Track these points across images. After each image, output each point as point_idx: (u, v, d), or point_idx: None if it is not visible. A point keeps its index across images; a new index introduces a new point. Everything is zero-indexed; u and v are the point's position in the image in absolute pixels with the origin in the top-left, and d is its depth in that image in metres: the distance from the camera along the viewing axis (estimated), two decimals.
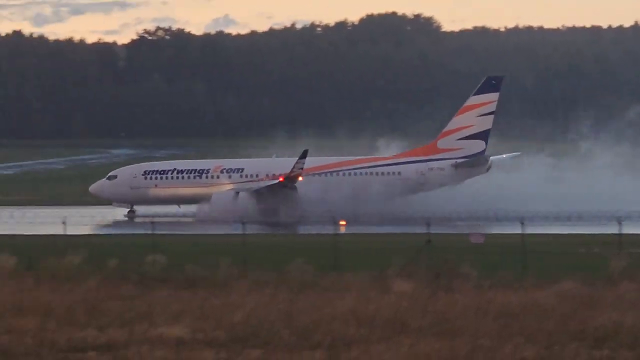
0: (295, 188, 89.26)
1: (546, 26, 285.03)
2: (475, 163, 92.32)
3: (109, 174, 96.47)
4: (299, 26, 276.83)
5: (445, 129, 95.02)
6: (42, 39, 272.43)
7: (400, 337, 24.93)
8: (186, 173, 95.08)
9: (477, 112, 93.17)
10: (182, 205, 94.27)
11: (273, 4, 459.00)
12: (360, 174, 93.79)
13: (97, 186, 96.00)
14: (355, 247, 54.57)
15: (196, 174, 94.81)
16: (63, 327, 26.23)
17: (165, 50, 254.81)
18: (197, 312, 29.47)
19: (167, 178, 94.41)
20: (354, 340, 24.64)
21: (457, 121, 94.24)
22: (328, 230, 59.18)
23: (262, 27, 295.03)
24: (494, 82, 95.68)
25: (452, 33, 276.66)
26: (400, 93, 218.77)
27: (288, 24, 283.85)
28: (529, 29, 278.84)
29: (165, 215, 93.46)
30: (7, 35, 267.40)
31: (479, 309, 29.77)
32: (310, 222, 79.12)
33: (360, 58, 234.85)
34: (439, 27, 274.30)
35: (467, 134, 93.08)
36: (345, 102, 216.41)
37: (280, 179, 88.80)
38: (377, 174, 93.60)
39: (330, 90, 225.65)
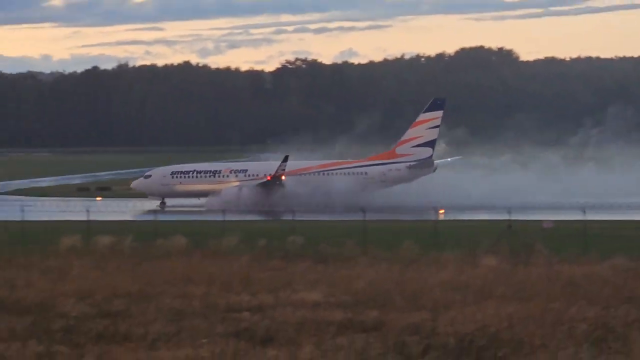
0: (282, 184, 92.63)
1: (602, 56, 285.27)
2: (424, 165, 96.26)
3: (145, 174, 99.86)
4: (407, 57, 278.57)
5: (402, 139, 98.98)
6: (205, 67, 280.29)
7: (487, 302, 25.37)
8: (203, 173, 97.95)
9: (425, 126, 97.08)
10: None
11: (387, 39, 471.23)
12: (336, 173, 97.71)
13: (137, 183, 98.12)
14: (449, 230, 54.89)
15: (210, 174, 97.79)
16: (223, 293, 26.57)
17: (302, 77, 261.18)
18: (329, 281, 29.79)
19: (188, 177, 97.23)
20: (451, 304, 25.02)
21: (410, 133, 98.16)
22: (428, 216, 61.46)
23: (378, 57, 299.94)
24: (439, 102, 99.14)
25: (528, 62, 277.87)
26: (484, 110, 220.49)
27: (398, 55, 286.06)
28: (588, 58, 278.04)
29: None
30: (178, 64, 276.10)
31: (549, 279, 30.50)
32: (414, 211, 78.90)
33: (454, 83, 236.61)
34: (517, 57, 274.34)
35: (418, 143, 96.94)
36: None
37: (268, 178, 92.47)
38: (349, 174, 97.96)
39: None
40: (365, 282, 28.97)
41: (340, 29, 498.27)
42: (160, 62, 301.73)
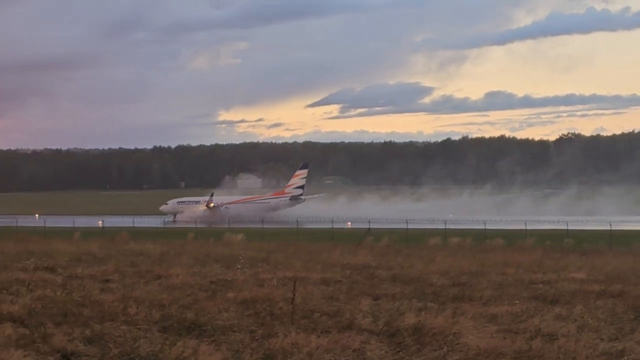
0: (216, 208, 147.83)
1: None
2: (298, 199, 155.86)
3: (166, 202, 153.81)
4: None
5: (288, 184, 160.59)
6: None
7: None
8: (189, 203, 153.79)
9: (299, 177, 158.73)
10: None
11: None
12: (252, 202, 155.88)
13: (162, 207, 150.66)
14: None
15: (192, 202, 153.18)
16: (526, 272, 31.65)
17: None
18: (589, 266, 36.73)
19: (184, 204, 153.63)
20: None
21: (291, 181, 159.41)
22: None
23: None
24: (305, 165, 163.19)
25: None
26: None
27: None
28: None
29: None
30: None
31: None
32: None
33: None
34: None
35: (295, 186, 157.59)
36: None
37: (205, 205, 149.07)
38: (259, 202, 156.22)
39: None
40: (612, 267, 36.98)
41: None
42: (486, 135, 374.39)
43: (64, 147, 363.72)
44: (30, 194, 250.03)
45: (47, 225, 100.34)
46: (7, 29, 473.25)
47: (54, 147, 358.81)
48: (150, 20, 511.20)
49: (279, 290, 21.37)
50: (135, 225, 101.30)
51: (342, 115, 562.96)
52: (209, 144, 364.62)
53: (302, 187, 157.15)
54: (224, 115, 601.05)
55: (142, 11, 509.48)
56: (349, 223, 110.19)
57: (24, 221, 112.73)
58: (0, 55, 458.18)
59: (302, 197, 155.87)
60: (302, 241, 67.30)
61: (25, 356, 11.81)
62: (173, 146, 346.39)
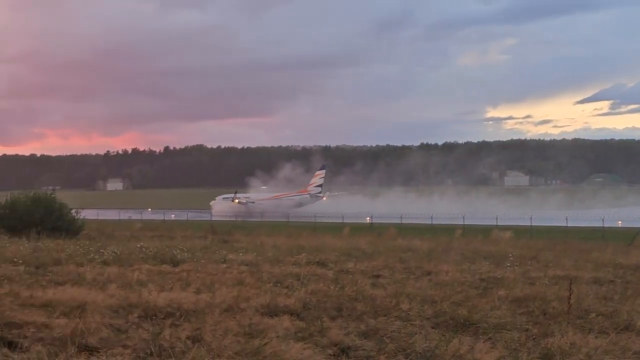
0: (245, 203, 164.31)
1: None
2: (317, 196, 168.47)
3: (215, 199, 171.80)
4: None
5: (309, 184, 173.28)
6: None
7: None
8: (226, 198, 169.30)
9: (318, 177, 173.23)
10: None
11: None
12: (279, 199, 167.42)
13: (213, 202, 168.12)
14: None
15: (229, 198, 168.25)
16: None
17: None
18: None
19: (225, 200, 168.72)
20: None
21: (312, 181, 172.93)
22: None
23: None
24: (323, 166, 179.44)
25: None
26: None
27: None
28: None
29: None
30: None
31: None
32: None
33: None
34: None
35: (315, 185, 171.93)
36: None
37: (233, 201, 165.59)
38: (284, 199, 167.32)
39: None
40: None
41: None
42: None
43: (332, 144, 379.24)
44: None
45: (317, 220, 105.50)
46: (276, 29, 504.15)
47: (322, 144, 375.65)
48: (418, 17, 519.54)
49: (551, 289, 21.37)
50: (403, 221, 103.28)
51: (612, 111, 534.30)
52: (475, 141, 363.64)
53: (320, 185, 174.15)
54: (491, 112, 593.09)
55: (411, 8, 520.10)
56: (619, 222, 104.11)
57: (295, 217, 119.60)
58: (271, 55, 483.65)
59: (320, 194, 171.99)
60: (571, 239, 65.47)
61: (304, 349, 12.23)
62: (440, 143, 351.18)
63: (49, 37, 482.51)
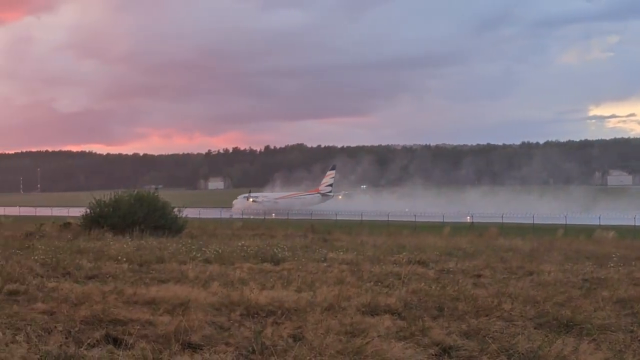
0: (261, 202, 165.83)
1: None
2: (328, 195, 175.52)
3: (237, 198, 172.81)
4: None
5: (321, 183, 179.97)
6: None
7: None
8: (245, 197, 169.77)
9: (329, 177, 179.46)
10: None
11: None
12: (293, 197, 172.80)
13: (235, 201, 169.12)
14: None
15: (248, 197, 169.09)
16: None
17: None
18: None
19: (244, 199, 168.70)
20: None
21: (322, 181, 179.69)
22: None
23: None
24: (334, 167, 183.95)
25: None
26: None
27: None
28: None
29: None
30: None
31: None
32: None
33: None
34: None
35: (326, 185, 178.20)
36: None
37: (248, 199, 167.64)
38: (296, 198, 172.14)
39: None
40: None
41: None
42: None
43: (433, 143, 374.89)
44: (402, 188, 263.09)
45: (417, 220, 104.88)
46: (377, 28, 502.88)
47: (423, 143, 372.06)
48: (520, 15, 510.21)
49: None
50: (505, 220, 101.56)
51: None
52: (577, 140, 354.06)
53: (331, 185, 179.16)
54: (594, 111, 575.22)
55: (513, 7, 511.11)
56: None
57: (395, 215, 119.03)
58: (371, 54, 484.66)
59: (331, 194, 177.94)
60: None
61: (406, 348, 12.35)
62: (541, 142, 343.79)
63: (151, 38, 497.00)
